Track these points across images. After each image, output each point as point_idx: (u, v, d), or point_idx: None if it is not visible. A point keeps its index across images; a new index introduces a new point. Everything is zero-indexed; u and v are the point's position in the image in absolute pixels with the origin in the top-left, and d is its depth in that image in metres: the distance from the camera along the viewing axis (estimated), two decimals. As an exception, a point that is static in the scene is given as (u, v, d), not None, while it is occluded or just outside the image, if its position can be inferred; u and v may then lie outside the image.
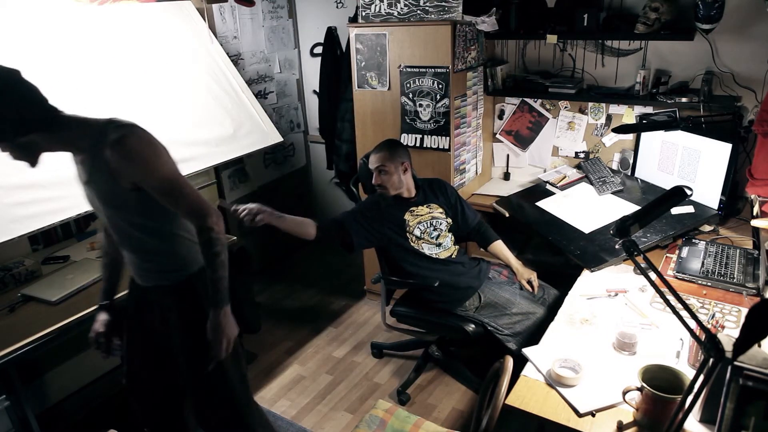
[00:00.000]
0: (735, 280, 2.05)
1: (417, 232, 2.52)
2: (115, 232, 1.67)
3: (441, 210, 2.61)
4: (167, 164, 1.52)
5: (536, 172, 3.37)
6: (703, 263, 2.17)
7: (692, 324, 1.23)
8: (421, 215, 2.56)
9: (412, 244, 2.51)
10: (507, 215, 2.91)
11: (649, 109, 2.88)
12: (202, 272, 1.64)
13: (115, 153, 1.44)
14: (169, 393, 1.92)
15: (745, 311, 1.89)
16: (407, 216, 2.53)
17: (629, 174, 2.96)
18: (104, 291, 1.87)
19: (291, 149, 4.16)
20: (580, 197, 2.86)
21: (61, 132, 1.47)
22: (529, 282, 2.51)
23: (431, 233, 2.55)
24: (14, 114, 1.36)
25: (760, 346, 1.21)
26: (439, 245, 2.56)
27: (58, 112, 1.46)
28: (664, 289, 1.31)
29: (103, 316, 1.85)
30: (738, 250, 2.26)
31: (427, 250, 2.54)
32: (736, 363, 1.19)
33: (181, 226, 1.65)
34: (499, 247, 2.66)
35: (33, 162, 1.49)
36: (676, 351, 1.72)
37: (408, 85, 2.98)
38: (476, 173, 3.35)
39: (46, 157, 1.51)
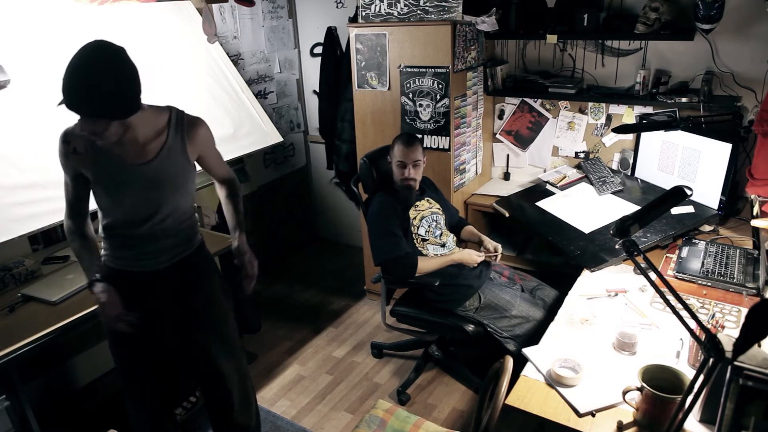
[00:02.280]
0: (735, 280, 2.05)
1: (422, 231, 2.53)
2: (152, 207, 1.72)
3: (438, 206, 2.63)
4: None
5: (536, 172, 3.37)
6: (703, 263, 2.17)
7: (692, 324, 1.23)
8: (423, 210, 2.56)
9: (417, 246, 2.51)
10: (507, 215, 2.91)
11: (649, 109, 2.88)
12: (203, 245, 1.94)
13: (202, 129, 1.79)
14: (165, 393, 1.95)
15: (745, 311, 1.89)
16: (411, 213, 2.53)
17: (629, 174, 2.96)
18: (89, 269, 1.76)
19: (291, 149, 4.16)
20: (580, 197, 2.86)
21: (138, 111, 1.59)
22: (489, 257, 2.56)
23: (434, 231, 2.55)
24: (130, 91, 1.52)
25: (760, 346, 1.21)
26: (443, 245, 2.56)
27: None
28: (664, 289, 1.31)
29: (103, 287, 1.71)
30: (738, 250, 2.26)
31: (432, 251, 2.53)
32: (736, 363, 1.19)
33: (194, 196, 1.93)
34: (469, 228, 2.75)
35: (100, 136, 1.57)
36: (676, 351, 1.72)
37: (408, 85, 2.98)
38: (476, 173, 3.35)
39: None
